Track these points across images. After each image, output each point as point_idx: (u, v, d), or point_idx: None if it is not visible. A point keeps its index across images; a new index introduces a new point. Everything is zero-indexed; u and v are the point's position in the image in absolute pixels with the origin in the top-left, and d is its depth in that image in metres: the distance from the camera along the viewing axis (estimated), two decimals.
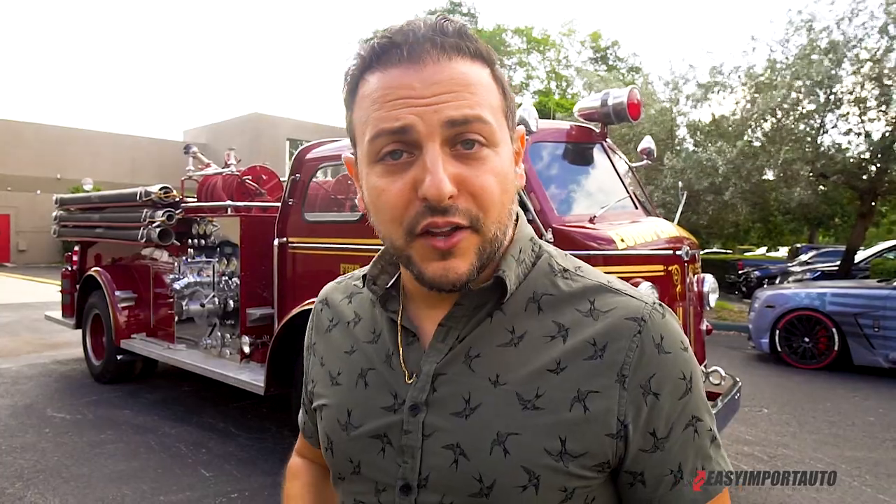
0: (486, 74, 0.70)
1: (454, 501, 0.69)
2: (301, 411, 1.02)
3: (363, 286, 0.82)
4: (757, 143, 10.83)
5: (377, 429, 0.75)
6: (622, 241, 3.43)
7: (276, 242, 4.83)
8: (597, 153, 4.10)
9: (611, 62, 28.85)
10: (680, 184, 5.10)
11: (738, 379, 4.30)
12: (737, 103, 11.21)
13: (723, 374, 4.08)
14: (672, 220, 4.40)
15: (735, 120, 11.16)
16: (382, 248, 0.79)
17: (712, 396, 3.95)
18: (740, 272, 17.93)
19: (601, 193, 3.95)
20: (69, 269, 7.56)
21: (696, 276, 4.03)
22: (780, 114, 10.32)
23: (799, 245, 23.50)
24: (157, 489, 4.00)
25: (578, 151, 4.06)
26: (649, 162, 4.69)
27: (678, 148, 12.03)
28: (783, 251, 29.54)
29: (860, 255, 12.82)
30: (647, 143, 4.61)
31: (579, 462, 0.68)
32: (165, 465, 4.42)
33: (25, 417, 5.49)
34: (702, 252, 25.34)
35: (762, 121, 10.60)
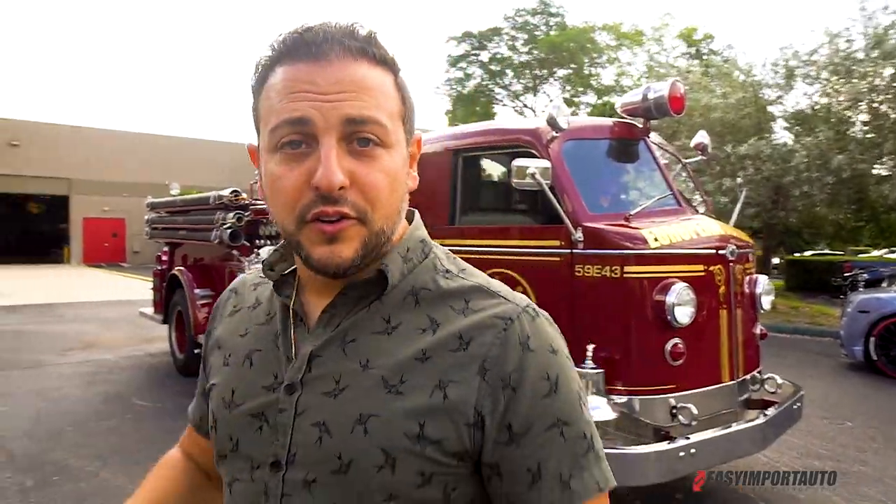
0: (389, 81, 0.74)
1: (317, 478, 0.72)
2: (193, 401, 1.04)
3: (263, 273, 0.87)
4: (854, 134, 10.06)
5: (257, 407, 0.78)
6: (656, 240, 3.32)
7: None
8: (639, 150, 3.98)
9: (705, 56, 27.63)
10: (739, 180, 4.84)
11: (800, 387, 4.05)
12: (824, 91, 10.47)
13: (779, 381, 3.86)
14: (748, 217, 4.19)
15: (822, 106, 10.42)
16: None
17: (765, 405, 3.74)
18: (846, 275, 16.71)
19: (641, 191, 3.83)
20: (158, 268, 8.12)
21: (747, 277, 3.82)
22: (880, 97, 9.50)
23: None
24: None
25: (619, 148, 3.96)
26: (703, 157, 4.49)
27: (760, 138, 11.35)
28: None
29: None
30: (702, 137, 4.42)
31: (436, 447, 0.70)
32: None
33: (114, 404, 5.97)
34: (808, 253, 23.61)
35: (855, 110, 9.83)
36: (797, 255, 24.89)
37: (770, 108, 12.56)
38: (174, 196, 8.15)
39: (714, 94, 12.70)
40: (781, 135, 12.83)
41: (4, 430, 5.15)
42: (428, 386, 0.71)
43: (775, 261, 22.46)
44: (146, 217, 8.40)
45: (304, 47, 0.71)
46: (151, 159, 30.38)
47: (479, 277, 0.81)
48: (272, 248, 0.87)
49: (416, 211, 0.86)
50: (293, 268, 0.85)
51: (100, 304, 14.24)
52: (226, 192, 6.22)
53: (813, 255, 25.72)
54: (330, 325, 0.77)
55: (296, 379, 0.75)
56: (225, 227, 6.04)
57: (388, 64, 0.74)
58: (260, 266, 0.96)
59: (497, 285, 0.79)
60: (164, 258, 8.07)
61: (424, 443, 0.69)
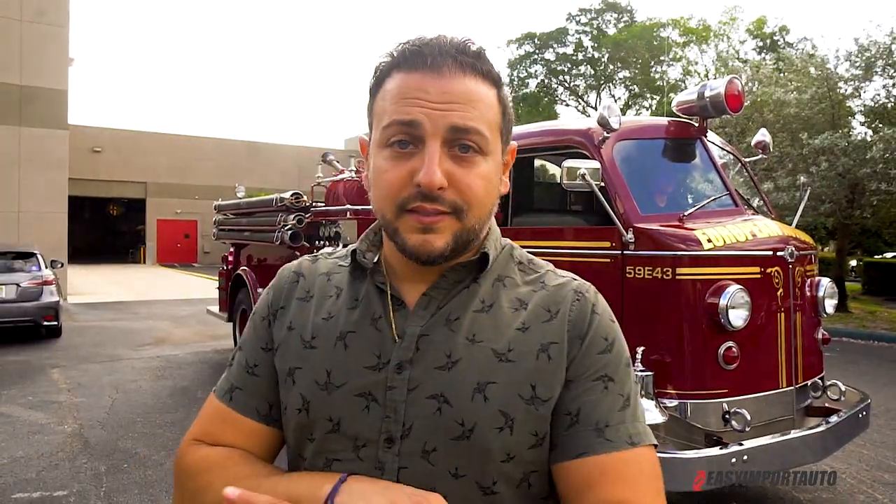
0: (493, 95, 0.82)
1: (436, 446, 0.77)
2: (227, 378, 0.95)
3: (349, 263, 0.92)
4: None
5: (362, 387, 0.81)
6: (709, 241, 3.24)
7: None
8: (696, 149, 3.89)
9: (781, 48, 26.55)
10: (802, 179, 4.64)
11: (867, 395, 3.87)
12: None
13: (843, 388, 3.69)
14: (821, 215, 4.04)
15: None
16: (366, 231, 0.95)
17: (828, 412, 3.60)
18: None
19: (697, 191, 3.74)
20: (224, 268, 8.44)
21: (808, 280, 3.68)
22: None
23: None
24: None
25: (674, 148, 3.88)
26: (764, 156, 4.35)
27: (835, 132, 10.83)
28: None
29: None
30: (762, 136, 4.28)
31: (547, 406, 0.79)
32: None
33: (180, 397, 6.25)
34: (889, 255, 22.30)
35: None
36: (877, 257, 23.63)
37: (847, 103, 12.00)
38: (240, 199, 8.45)
39: (787, 88, 12.23)
40: (859, 130, 12.25)
41: (82, 420, 5.48)
42: (533, 351, 0.81)
43: (853, 263, 21.41)
44: (214, 219, 8.74)
45: (420, 58, 0.79)
46: (222, 163, 31.56)
47: (545, 265, 0.94)
48: (351, 246, 0.94)
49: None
50: (377, 257, 0.92)
51: (171, 303, 14.90)
52: (287, 195, 6.41)
53: (894, 257, 24.36)
54: (430, 308, 0.84)
55: (405, 357, 0.81)
56: (286, 228, 6.24)
57: (493, 79, 0.82)
58: (320, 256, 1.01)
59: (559, 271, 0.93)
60: (230, 258, 8.38)
61: (538, 402, 0.79)
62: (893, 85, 11.57)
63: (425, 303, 0.84)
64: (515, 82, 31.46)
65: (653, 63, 28.67)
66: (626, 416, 0.80)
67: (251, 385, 0.92)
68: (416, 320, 0.83)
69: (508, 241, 0.96)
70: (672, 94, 23.98)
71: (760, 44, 27.23)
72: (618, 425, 0.79)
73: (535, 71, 31.28)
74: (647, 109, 28.60)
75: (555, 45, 30.50)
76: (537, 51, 30.68)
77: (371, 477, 0.77)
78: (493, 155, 0.82)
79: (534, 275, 0.90)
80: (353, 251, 0.92)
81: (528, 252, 0.95)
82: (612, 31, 29.61)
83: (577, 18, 30.06)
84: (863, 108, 11.66)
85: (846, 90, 11.89)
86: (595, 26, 29.99)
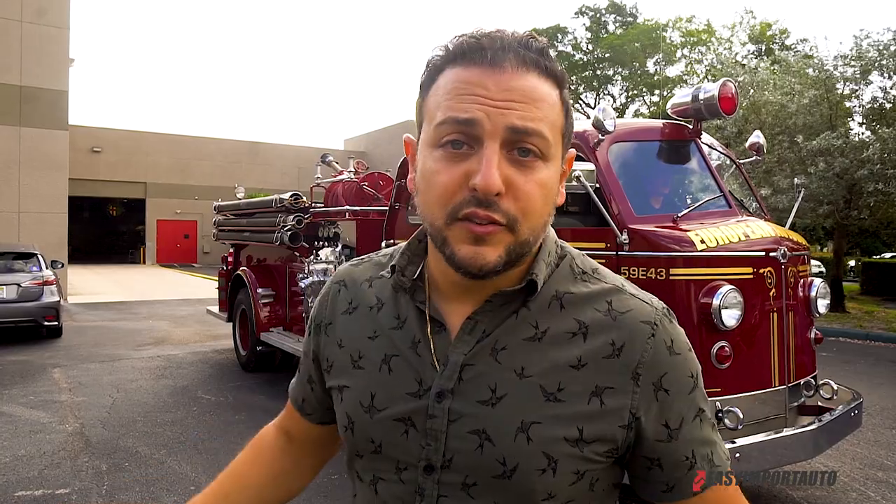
0: (556, 95, 0.75)
1: (477, 482, 0.75)
2: (296, 383, 1.04)
3: (391, 275, 0.86)
4: None
5: (402, 413, 0.79)
6: (703, 242, 3.29)
7: (383, 244, 5.13)
8: (690, 151, 3.94)
9: (777, 52, 26.58)
10: (797, 180, 4.69)
11: (859, 394, 3.91)
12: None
13: (835, 387, 3.74)
14: (819, 216, 4.08)
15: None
16: (408, 240, 0.88)
17: (821, 411, 3.65)
18: None
19: (690, 193, 3.79)
20: (224, 268, 8.49)
21: (801, 281, 3.73)
22: None
23: None
24: None
25: (668, 150, 3.93)
26: (759, 158, 4.40)
27: (833, 134, 10.88)
28: None
29: None
30: (756, 137, 4.33)
31: (592, 448, 0.75)
32: None
33: (180, 396, 6.30)
34: (887, 256, 22.33)
35: None
36: (875, 257, 23.70)
37: (845, 104, 12.05)
38: (239, 199, 8.50)
39: (783, 89, 12.29)
40: (857, 131, 12.30)
41: (83, 419, 5.53)
42: (585, 392, 0.75)
43: (851, 263, 21.47)
44: (214, 219, 8.79)
45: (479, 52, 0.72)
46: (222, 163, 31.62)
47: (613, 277, 0.84)
48: (397, 249, 0.89)
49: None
50: (419, 271, 0.85)
51: (171, 303, 14.95)
52: (286, 196, 6.46)
53: (892, 257, 24.41)
54: (475, 333, 0.78)
55: (447, 387, 0.77)
56: (285, 229, 6.28)
57: (557, 78, 0.76)
58: (365, 258, 0.97)
59: (630, 285, 0.84)
60: (230, 259, 8.43)
61: (583, 444, 0.75)
62: (892, 86, 11.62)
63: (470, 327, 0.78)
64: None
65: (652, 64, 28.74)
66: (717, 437, 0.83)
67: (311, 397, 1.00)
68: (460, 346, 0.78)
69: (569, 247, 0.86)
70: (672, 92, 24.03)
71: (755, 48, 27.27)
72: (717, 448, 0.82)
73: None
74: (648, 107, 28.63)
75: (555, 44, 30.55)
76: None
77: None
78: (554, 160, 0.75)
79: (598, 287, 0.81)
80: (393, 265, 0.86)
81: None
82: (612, 30, 29.64)
83: (586, 13, 30.06)
84: (860, 109, 11.69)
85: (843, 90, 11.93)
86: (596, 27, 30.02)
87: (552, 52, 0.77)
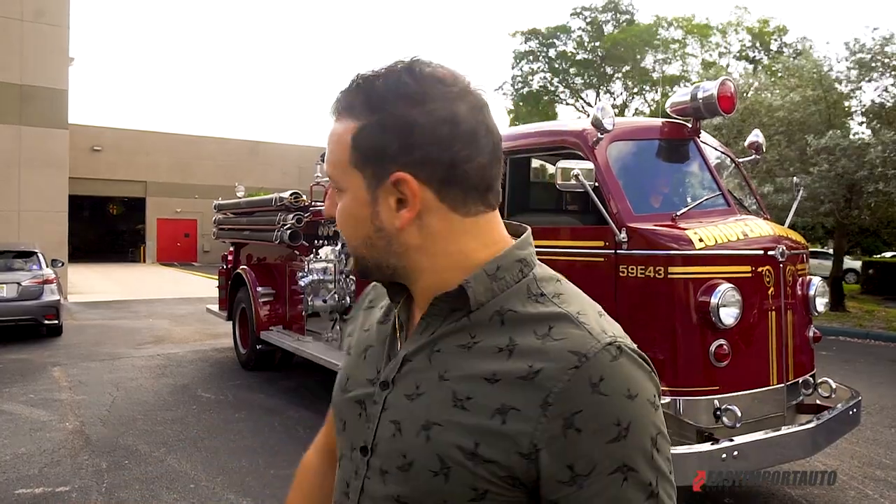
0: (346, 130, 0.80)
1: (388, 470, 0.80)
2: None
3: None
4: None
5: (360, 396, 0.87)
6: (701, 240, 3.29)
7: None
8: (689, 150, 3.94)
9: (775, 49, 26.61)
10: (795, 180, 4.70)
11: (857, 392, 3.92)
12: None
13: (833, 385, 3.75)
14: (820, 214, 4.09)
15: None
16: None
17: (819, 409, 3.65)
18: None
19: (689, 191, 3.80)
20: (224, 267, 8.50)
21: (800, 279, 3.74)
22: None
23: None
24: (270, 464, 4.46)
25: (667, 148, 3.93)
26: (757, 157, 4.40)
27: (834, 133, 10.87)
28: None
29: None
30: (755, 136, 4.33)
31: (488, 468, 0.73)
32: (282, 443, 4.89)
33: (180, 395, 6.31)
34: (888, 255, 22.28)
35: None
36: (875, 257, 23.70)
37: (844, 103, 12.05)
38: (239, 198, 8.51)
39: (782, 90, 12.28)
40: (856, 131, 12.30)
41: (83, 417, 5.54)
42: (490, 408, 0.73)
43: (856, 263, 21.47)
44: (214, 218, 8.79)
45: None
46: (222, 162, 31.60)
47: (574, 305, 0.79)
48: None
49: (529, 229, 0.88)
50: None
51: (171, 301, 14.96)
52: (286, 195, 6.46)
53: (893, 256, 24.39)
54: (425, 333, 0.83)
55: (389, 377, 0.83)
56: (285, 227, 6.29)
57: (352, 111, 0.80)
58: None
59: (589, 317, 0.78)
60: (230, 258, 8.43)
61: (477, 460, 0.73)
62: (894, 85, 11.61)
63: (422, 327, 0.83)
64: (518, 79, 31.48)
65: (653, 62, 28.76)
66: None
67: None
68: (409, 344, 0.84)
69: (541, 271, 0.85)
70: (672, 90, 24.03)
71: (759, 45, 27.28)
72: None
73: (537, 68, 31.31)
74: (648, 106, 28.64)
75: (557, 43, 30.56)
76: (540, 47, 30.73)
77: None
78: (350, 191, 0.82)
79: (546, 311, 0.78)
80: None
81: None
82: (609, 29, 29.65)
83: (582, 14, 30.10)
84: (862, 110, 11.69)
85: (842, 90, 11.93)
86: (595, 26, 30.04)
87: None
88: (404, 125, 0.78)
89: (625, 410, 0.71)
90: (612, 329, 0.77)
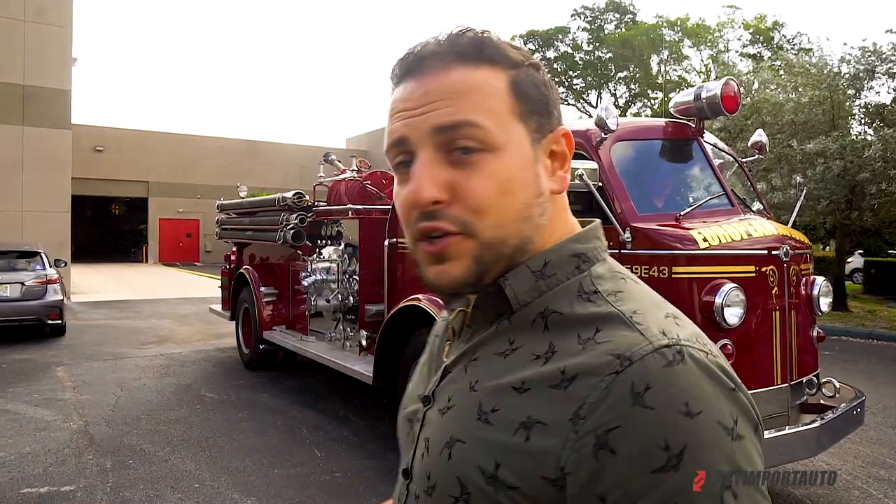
0: (497, 77, 0.68)
1: (420, 494, 0.70)
2: None
3: None
4: None
5: (410, 413, 0.79)
6: (705, 240, 3.30)
7: (386, 243, 5.13)
8: (692, 150, 3.94)
9: (775, 45, 26.54)
10: (798, 178, 4.70)
11: (861, 392, 3.92)
12: None
13: (837, 385, 3.75)
14: (820, 214, 4.09)
15: None
16: None
17: (823, 409, 3.65)
18: None
19: (693, 191, 3.80)
20: (227, 267, 8.51)
21: (804, 279, 3.74)
22: None
23: None
24: (273, 463, 4.47)
25: (671, 148, 3.94)
26: (760, 156, 4.41)
27: (828, 136, 10.88)
28: None
29: None
30: (759, 136, 4.34)
31: (510, 495, 0.60)
32: (286, 443, 4.90)
33: (183, 395, 6.32)
34: (892, 254, 22.22)
35: None
36: (879, 257, 23.66)
37: (847, 103, 12.04)
38: (242, 198, 8.52)
39: (786, 88, 12.27)
40: (857, 130, 12.29)
41: (88, 417, 5.55)
42: (514, 422, 0.61)
43: (859, 264, 21.44)
44: (216, 218, 8.81)
45: (405, 68, 0.70)
46: (225, 162, 31.66)
47: (632, 303, 0.65)
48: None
49: (598, 221, 0.77)
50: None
51: (174, 301, 14.98)
52: (289, 195, 6.48)
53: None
54: (469, 341, 0.73)
55: (430, 391, 0.75)
56: (288, 227, 6.30)
57: (498, 61, 0.68)
58: None
59: (647, 316, 0.63)
60: (233, 258, 8.45)
61: (498, 485, 0.60)
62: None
63: (467, 335, 0.74)
64: None
65: (657, 62, 28.74)
66: None
67: None
68: (451, 353, 0.75)
69: (602, 261, 0.71)
70: (674, 92, 24.01)
71: (759, 41, 27.22)
72: None
73: None
74: (650, 108, 28.63)
75: (556, 44, 30.56)
76: (539, 49, 30.72)
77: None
78: (507, 147, 0.66)
79: (597, 311, 0.64)
80: None
81: None
82: (612, 29, 29.66)
83: (582, 14, 30.10)
84: (865, 109, 11.69)
85: (848, 90, 11.93)
86: (596, 25, 30.04)
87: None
88: (544, 77, 0.72)
89: (678, 431, 0.54)
90: (677, 332, 0.61)
